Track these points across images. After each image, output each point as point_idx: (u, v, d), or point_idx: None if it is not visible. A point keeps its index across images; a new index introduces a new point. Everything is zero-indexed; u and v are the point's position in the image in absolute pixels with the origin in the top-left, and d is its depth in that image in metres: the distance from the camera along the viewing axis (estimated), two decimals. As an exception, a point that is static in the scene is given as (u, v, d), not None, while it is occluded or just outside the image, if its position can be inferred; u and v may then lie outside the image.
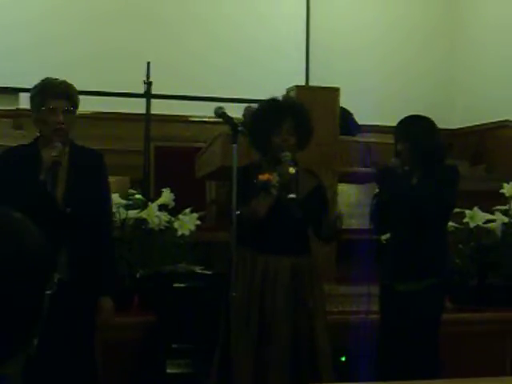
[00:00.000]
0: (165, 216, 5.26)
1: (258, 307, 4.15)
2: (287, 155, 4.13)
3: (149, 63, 6.70)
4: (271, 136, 4.22)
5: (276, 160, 4.18)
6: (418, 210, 4.38)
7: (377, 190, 4.58)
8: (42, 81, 3.95)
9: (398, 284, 4.45)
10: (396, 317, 4.43)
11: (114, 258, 4.15)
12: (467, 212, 5.74)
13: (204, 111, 7.36)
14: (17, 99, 8.36)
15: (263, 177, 4.05)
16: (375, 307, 4.66)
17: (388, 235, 5.88)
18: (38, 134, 3.97)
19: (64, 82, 3.94)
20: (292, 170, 4.05)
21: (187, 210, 5.36)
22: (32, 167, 3.79)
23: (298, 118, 4.26)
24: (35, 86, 3.95)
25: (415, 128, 4.49)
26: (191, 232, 5.29)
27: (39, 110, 3.87)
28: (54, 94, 3.86)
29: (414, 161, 4.48)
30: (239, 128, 3.95)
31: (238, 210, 3.84)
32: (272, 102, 4.36)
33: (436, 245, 4.46)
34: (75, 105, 3.94)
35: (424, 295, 4.37)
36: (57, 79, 3.95)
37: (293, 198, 4.02)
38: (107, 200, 4.17)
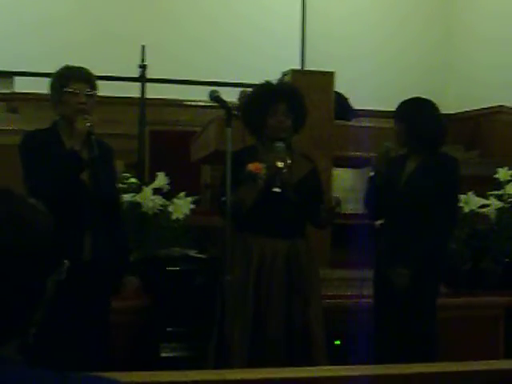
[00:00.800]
0: (159, 200, 5.26)
1: (253, 291, 4.15)
2: (280, 146, 4.13)
3: (143, 47, 6.67)
4: (266, 118, 4.22)
5: (272, 141, 4.18)
6: (414, 201, 4.38)
7: (371, 174, 4.58)
8: (62, 67, 4.01)
9: (393, 272, 4.44)
10: (391, 303, 4.42)
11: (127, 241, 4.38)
12: (462, 197, 5.74)
13: (199, 95, 7.36)
14: (11, 83, 8.34)
15: (252, 166, 4.05)
16: (370, 291, 4.66)
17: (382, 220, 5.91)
18: (57, 118, 4.00)
19: (84, 68, 4.02)
20: (280, 164, 4.05)
21: (182, 194, 5.35)
22: (55, 150, 3.83)
23: (292, 101, 4.26)
24: (56, 72, 4.00)
25: (412, 109, 4.49)
26: (185, 216, 5.29)
27: (60, 93, 3.92)
28: (76, 78, 3.93)
29: (409, 143, 4.48)
30: (234, 112, 3.95)
31: (227, 196, 3.85)
32: (266, 85, 4.36)
33: (433, 235, 4.43)
34: (95, 89, 4.02)
35: (419, 283, 4.36)
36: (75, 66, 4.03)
37: (277, 192, 4.03)
38: (117, 188, 4.39)
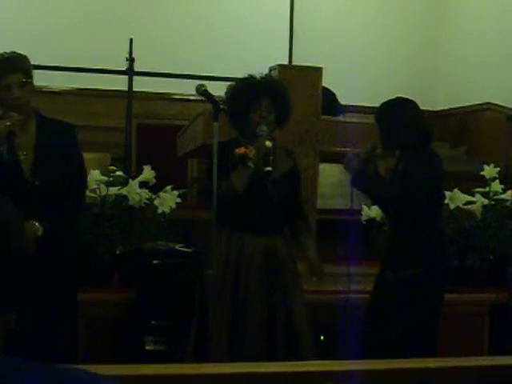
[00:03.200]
0: (145, 193, 5.24)
1: (231, 286, 4.16)
2: (263, 129, 4.12)
3: (131, 40, 6.64)
4: (249, 113, 4.20)
5: (253, 136, 4.16)
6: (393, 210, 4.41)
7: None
8: None
9: (387, 271, 4.44)
10: (383, 302, 4.42)
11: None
12: (447, 193, 5.75)
13: (187, 89, 7.35)
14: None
15: (240, 150, 4.05)
16: (356, 287, 4.67)
17: (368, 217, 5.94)
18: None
19: (15, 55, 3.86)
20: (268, 143, 4.05)
21: (168, 188, 5.34)
22: None
23: (275, 95, 4.25)
24: None
25: (382, 109, 4.50)
26: (172, 209, 5.28)
27: None
28: (7, 69, 3.79)
29: (384, 143, 4.48)
30: (221, 106, 3.94)
31: (212, 188, 3.84)
32: (249, 80, 4.33)
33: (422, 235, 4.42)
34: (30, 76, 3.86)
35: (408, 284, 4.36)
36: (6, 53, 3.86)
37: (269, 171, 4.02)
38: (80, 171, 4.08)
